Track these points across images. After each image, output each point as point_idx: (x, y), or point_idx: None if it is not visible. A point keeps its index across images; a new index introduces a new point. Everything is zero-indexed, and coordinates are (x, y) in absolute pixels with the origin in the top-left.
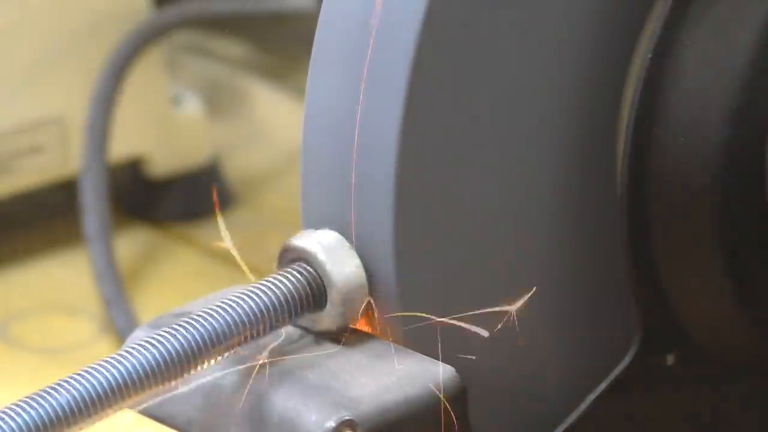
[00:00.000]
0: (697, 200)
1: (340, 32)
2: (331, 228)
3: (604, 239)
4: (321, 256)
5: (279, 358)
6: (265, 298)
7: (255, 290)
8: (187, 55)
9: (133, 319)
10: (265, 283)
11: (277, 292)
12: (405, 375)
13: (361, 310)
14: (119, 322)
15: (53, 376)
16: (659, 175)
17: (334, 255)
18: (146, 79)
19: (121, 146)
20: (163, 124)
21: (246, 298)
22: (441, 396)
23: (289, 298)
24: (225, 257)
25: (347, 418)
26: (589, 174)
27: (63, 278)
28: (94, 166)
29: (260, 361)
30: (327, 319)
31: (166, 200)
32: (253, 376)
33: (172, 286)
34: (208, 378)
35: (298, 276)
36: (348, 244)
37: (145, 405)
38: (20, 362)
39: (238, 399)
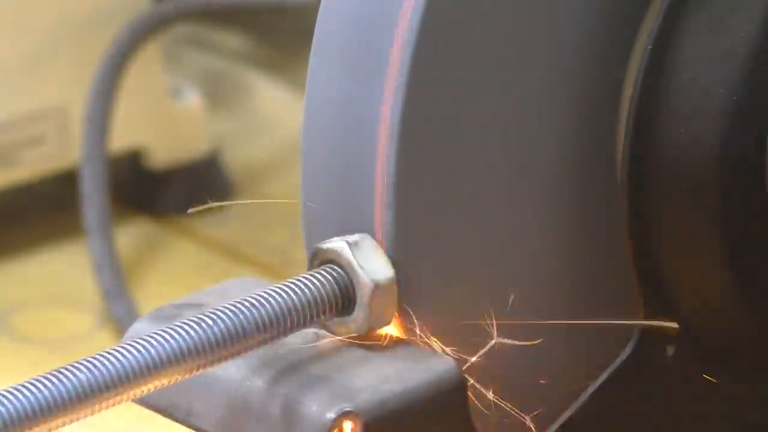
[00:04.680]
0: (698, 191)
1: (340, 24)
2: (332, 221)
3: (605, 230)
4: (352, 259)
5: (276, 346)
6: (290, 298)
7: (283, 289)
8: (187, 47)
9: (132, 311)
10: (293, 282)
11: (305, 292)
12: (405, 367)
13: (388, 322)
14: (119, 314)
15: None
16: (659, 166)
17: (366, 258)
18: (146, 71)
19: (121, 138)
20: (163, 116)
21: (277, 296)
22: (441, 388)
23: (317, 299)
24: (224, 249)
25: (347, 409)
26: (589, 166)
27: (63, 270)
28: (94, 157)
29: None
30: (351, 326)
31: (166, 192)
32: (247, 363)
33: (171, 278)
34: (216, 373)
35: (328, 277)
36: (392, 270)
37: (152, 398)
38: (20, 354)
39: (233, 387)
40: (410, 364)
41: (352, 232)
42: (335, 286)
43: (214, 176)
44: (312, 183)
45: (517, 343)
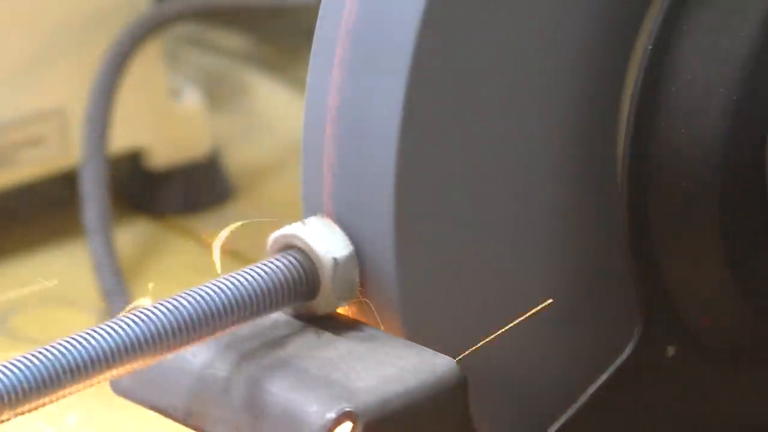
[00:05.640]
0: (698, 191)
1: (340, 24)
2: (331, 219)
3: (605, 231)
4: (313, 243)
5: (278, 347)
6: (254, 282)
7: (245, 274)
8: (187, 47)
9: None
10: (255, 267)
11: (267, 276)
12: (405, 366)
13: (352, 297)
14: (119, 314)
15: None
16: (660, 166)
17: (326, 241)
18: (146, 71)
19: (121, 138)
20: (163, 116)
21: (235, 281)
22: (441, 388)
23: (279, 283)
24: (224, 249)
25: (348, 409)
26: (590, 166)
27: (63, 270)
28: (94, 158)
29: (256, 350)
30: (318, 305)
31: (166, 192)
32: (250, 364)
33: (171, 278)
34: (205, 366)
35: (289, 262)
36: (340, 230)
37: (148, 397)
38: (20, 354)
39: (235, 388)
40: (411, 363)
41: (350, 230)
42: (296, 269)
43: (213, 176)
44: (312, 182)
45: (517, 344)
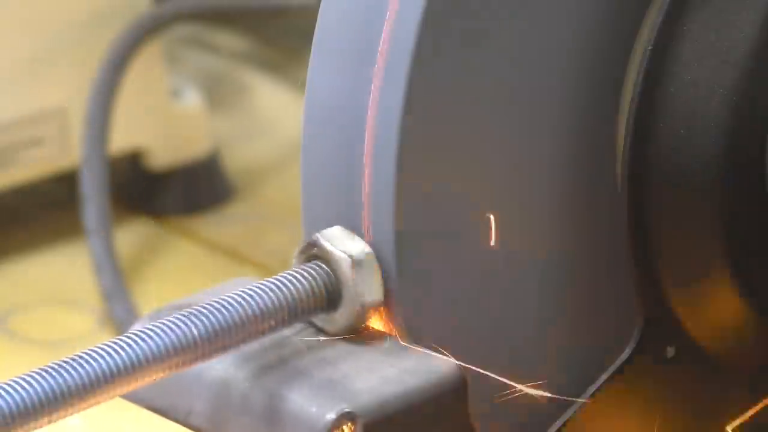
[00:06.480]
0: (698, 191)
1: (340, 24)
2: (332, 221)
3: (605, 231)
4: (341, 260)
5: (278, 348)
6: (280, 294)
7: (270, 285)
8: (187, 48)
9: (132, 311)
10: (280, 279)
11: (293, 289)
12: (405, 367)
13: (373, 313)
14: (119, 314)
15: None
16: (660, 166)
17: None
18: (146, 72)
19: (121, 139)
20: (163, 116)
21: (261, 292)
22: (441, 390)
23: (303, 296)
24: (224, 250)
25: (347, 410)
26: (590, 167)
27: (63, 270)
28: (94, 158)
29: (255, 351)
30: (340, 319)
31: (166, 193)
32: (248, 365)
33: (171, 278)
34: (205, 367)
35: (315, 275)
36: (369, 248)
37: (149, 397)
38: (20, 354)
39: (234, 388)
40: (411, 364)
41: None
42: (321, 282)
43: (213, 177)
44: (312, 183)
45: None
